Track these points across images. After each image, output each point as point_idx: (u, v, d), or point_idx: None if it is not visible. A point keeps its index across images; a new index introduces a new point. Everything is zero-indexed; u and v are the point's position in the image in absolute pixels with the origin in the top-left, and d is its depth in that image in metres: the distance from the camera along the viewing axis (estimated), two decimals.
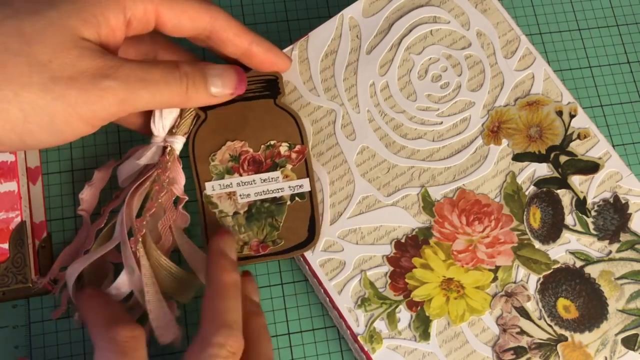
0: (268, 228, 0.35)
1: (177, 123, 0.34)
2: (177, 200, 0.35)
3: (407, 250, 0.35)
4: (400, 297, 0.34)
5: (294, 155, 0.36)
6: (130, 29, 0.31)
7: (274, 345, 0.37)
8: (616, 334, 0.34)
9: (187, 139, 0.35)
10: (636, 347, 0.34)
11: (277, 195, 0.35)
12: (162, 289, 0.34)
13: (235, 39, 0.33)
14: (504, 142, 0.37)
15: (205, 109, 0.35)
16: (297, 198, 0.35)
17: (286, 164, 0.35)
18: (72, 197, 0.39)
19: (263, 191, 0.35)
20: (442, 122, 0.37)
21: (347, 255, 0.35)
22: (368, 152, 0.36)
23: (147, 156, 0.35)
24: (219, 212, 0.35)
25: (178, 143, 0.35)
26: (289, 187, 0.35)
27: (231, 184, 0.35)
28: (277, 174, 0.35)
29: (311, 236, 0.35)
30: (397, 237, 0.35)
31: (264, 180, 0.35)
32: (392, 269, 0.35)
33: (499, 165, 0.36)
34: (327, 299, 0.34)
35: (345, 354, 0.37)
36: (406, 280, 0.34)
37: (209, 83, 0.32)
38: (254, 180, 0.35)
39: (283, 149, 0.35)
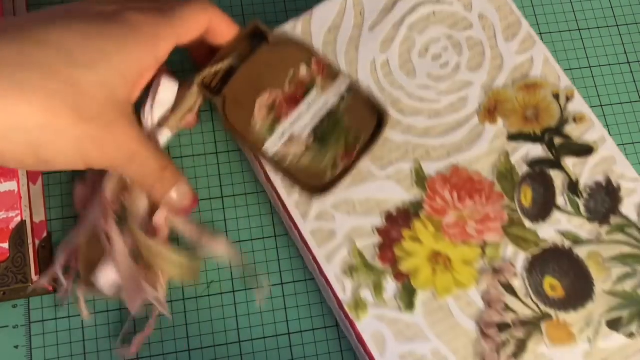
0: (342, 136, 0.34)
1: (166, 117, 0.33)
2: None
3: (398, 223, 0.34)
4: (388, 268, 0.33)
5: (315, 68, 0.34)
6: None
7: (274, 345, 0.36)
8: (601, 316, 0.32)
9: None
10: (620, 329, 0.32)
11: (328, 108, 0.34)
12: (169, 277, 0.34)
13: (226, 30, 0.33)
14: (500, 121, 0.35)
15: (217, 91, 0.34)
16: (345, 97, 0.34)
17: (316, 80, 0.34)
18: (72, 197, 0.37)
19: (314, 114, 0.34)
20: (439, 101, 0.35)
21: (338, 225, 0.34)
22: None
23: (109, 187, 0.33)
24: (293, 156, 0.34)
25: (163, 136, 0.33)
26: (332, 94, 0.34)
27: (284, 130, 0.34)
28: (314, 93, 0.34)
29: (381, 114, 0.34)
30: (388, 210, 0.34)
31: (309, 106, 0.34)
32: (381, 240, 0.33)
33: (494, 144, 0.35)
34: (316, 266, 0.33)
35: (346, 354, 0.36)
36: (395, 251, 0.33)
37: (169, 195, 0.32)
38: (300, 113, 0.34)
39: (303, 71, 0.34)
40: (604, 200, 0.34)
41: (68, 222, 0.37)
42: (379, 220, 0.34)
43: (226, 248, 0.35)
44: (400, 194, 0.34)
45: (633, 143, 0.40)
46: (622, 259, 0.33)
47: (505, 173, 0.34)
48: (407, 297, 0.32)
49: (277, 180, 0.34)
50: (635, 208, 0.34)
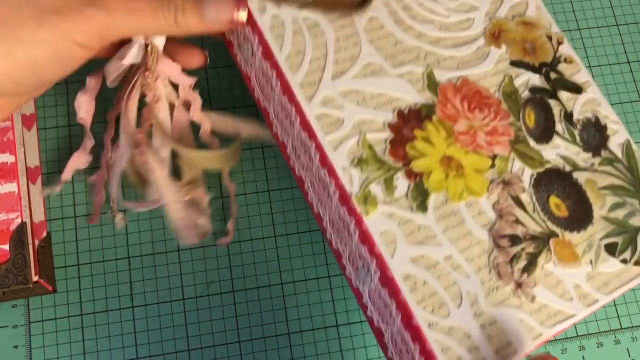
0: None
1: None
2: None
3: (410, 122, 0.30)
4: (400, 165, 0.29)
5: None
6: None
7: (274, 346, 0.35)
8: (600, 239, 0.31)
9: None
10: (617, 254, 0.31)
11: None
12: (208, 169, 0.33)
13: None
14: (504, 47, 0.34)
15: None
16: None
17: None
18: (72, 197, 0.37)
19: None
20: (449, 17, 0.33)
21: (347, 114, 0.29)
22: (377, 23, 0.31)
23: (131, 55, 0.31)
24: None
25: (159, 39, 0.31)
26: None
27: None
28: None
29: None
30: (400, 108, 0.30)
31: None
32: (393, 135, 0.29)
33: (499, 67, 0.33)
34: (319, 159, 0.28)
35: (346, 354, 0.35)
36: (407, 150, 0.29)
37: (203, 12, 0.29)
38: None
39: None
40: (594, 135, 0.33)
41: (68, 222, 0.36)
42: (390, 116, 0.29)
43: (258, 129, 0.34)
44: (412, 95, 0.30)
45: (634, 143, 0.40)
46: (614, 189, 0.32)
47: (510, 94, 0.32)
48: (420, 197, 0.28)
49: (281, 57, 0.29)
50: (619, 147, 0.34)
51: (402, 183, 0.28)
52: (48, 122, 0.38)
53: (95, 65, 0.33)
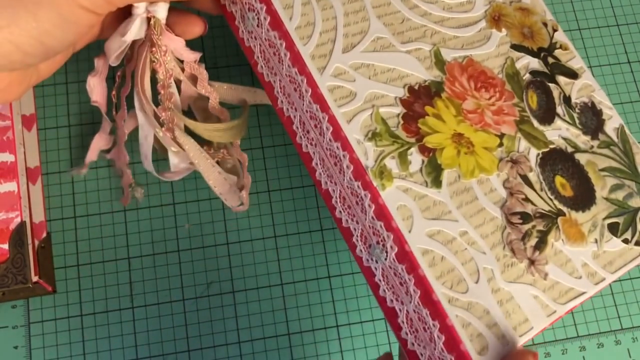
0: None
1: None
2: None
3: (420, 97, 0.29)
4: (413, 140, 0.28)
5: None
6: None
7: (274, 346, 0.35)
8: (603, 219, 0.31)
9: None
10: (619, 234, 0.31)
11: None
12: (218, 144, 0.33)
13: None
14: (504, 31, 0.34)
15: None
16: None
17: None
18: (72, 197, 0.37)
19: None
20: None
21: (358, 87, 0.28)
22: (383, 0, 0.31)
23: (133, 31, 0.29)
24: None
25: (161, 11, 0.29)
26: None
27: None
28: None
29: None
30: (410, 83, 0.29)
31: None
32: (404, 111, 0.28)
33: (500, 49, 0.33)
34: (331, 132, 0.27)
35: (346, 354, 0.35)
36: (419, 125, 0.28)
37: None
38: None
39: None
40: (591, 119, 0.34)
41: (68, 222, 0.36)
42: (401, 91, 0.29)
43: (261, 95, 0.33)
44: (421, 71, 0.30)
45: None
46: (612, 171, 0.33)
47: (513, 75, 0.32)
48: (434, 172, 0.27)
49: (291, 26, 0.28)
50: (614, 131, 0.34)
51: (415, 158, 0.27)
52: (48, 122, 0.38)
53: (96, 51, 0.32)
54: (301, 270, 0.36)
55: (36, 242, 0.34)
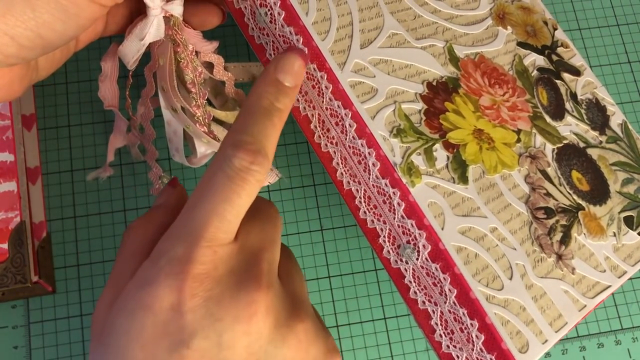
0: None
1: None
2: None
3: (439, 93, 0.29)
4: (436, 136, 0.27)
5: None
6: None
7: None
8: (619, 212, 0.31)
9: None
10: (635, 227, 0.31)
11: None
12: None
13: None
14: (509, 28, 0.34)
15: None
16: None
17: None
18: (72, 197, 0.37)
19: None
20: None
21: (379, 83, 0.27)
22: None
23: (151, 33, 0.28)
24: None
25: (177, 8, 0.28)
26: None
27: None
28: None
29: None
30: (428, 79, 0.29)
31: None
32: (426, 107, 0.28)
33: (508, 46, 0.33)
34: (355, 129, 0.26)
35: (346, 354, 0.35)
36: (441, 121, 0.28)
37: None
38: None
39: None
40: (597, 114, 0.34)
41: (68, 222, 0.36)
42: (420, 87, 0.28)
43: None
44: (437, 68, 0.29)
45: None
46: (621, 165, 0.33)
47: (522, 72, 0.33)
48: (460, 168, 0.27)
49: (308, 22, 0.27)
50: (619, 127, 0.35)
51: (441, 154, 0.27)
52: (48, 122, 0.38)
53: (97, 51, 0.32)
54: (301, 270, 0.36)
55: (36, 242, 0.34)
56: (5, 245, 0.32)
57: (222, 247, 0.22)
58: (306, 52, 0.27)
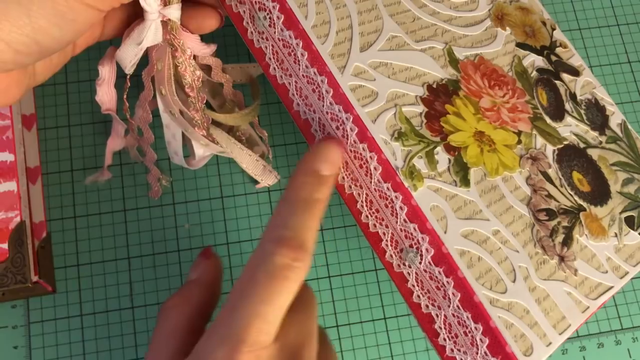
0: None
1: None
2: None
3: (440, 96, 0.29)
4: (438, 139, 0.27)
5: None
6: None
7: None
8: (620, 213, 0.31)
9: None
10: (636, 227, 0.32)
11: None
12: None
13: None
14: (508, 29, 0.34)
15: None
16: None
17: None
18: (72, 197, 0.37)
19: None
20: None
21: (379, 86, 0.27)
22: None
23: (149, 38, 0.28)
24: None
25: (175, 12, 0.28)
26: None
27: None
28: None
29: None
30: (428, 82, 0.29)
31: None
32: (426, 109, 0.28)
33: (507, 47, 0.33)
34: (356, 133, 0.26)
35: (346, 354, 0.35)
36: (442, 123, 0.28)
37: None
38: None
39: None
40: (597, 115, 0.34)
41: (68, 222, 0.36)
42: (420, 90, 0.28)
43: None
44: (437, 70, 0.29)
45: None
46: (621, 165, 0.33)
47: (521, 73, 0.33)
48: (461, 171, 0.27)
49: (307, 25, 0.27)
50: (618, 127, 0.35)
51: (442, 157, 0.27)
52: (48, 122, 0.38)
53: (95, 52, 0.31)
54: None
55: (36, 242, 0.34)
56: (5, 245, 0.32)
57: (264, 349, 0.22)
58: (342, 140, 0.26)
